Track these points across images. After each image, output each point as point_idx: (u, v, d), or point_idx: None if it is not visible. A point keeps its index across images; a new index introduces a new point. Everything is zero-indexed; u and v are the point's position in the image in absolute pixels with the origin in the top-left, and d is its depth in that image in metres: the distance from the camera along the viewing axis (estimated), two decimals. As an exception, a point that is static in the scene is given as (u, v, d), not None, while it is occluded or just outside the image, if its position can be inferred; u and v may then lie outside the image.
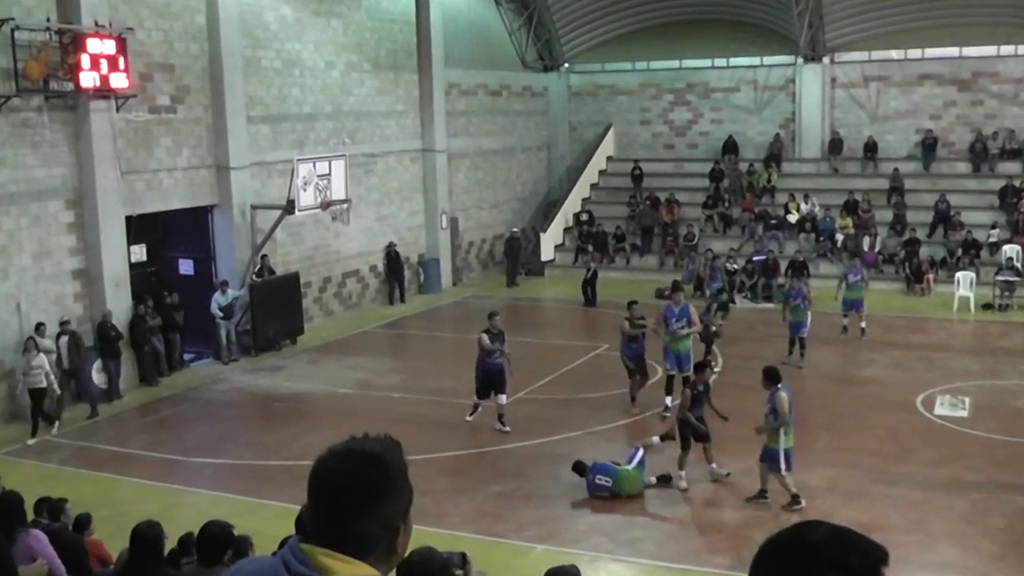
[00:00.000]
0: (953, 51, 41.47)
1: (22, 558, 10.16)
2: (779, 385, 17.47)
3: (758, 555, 2.76)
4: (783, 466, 17.42)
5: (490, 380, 22.11)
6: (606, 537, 17.00)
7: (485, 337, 21.99)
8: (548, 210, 45.71)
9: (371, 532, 3.04)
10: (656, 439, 20.05)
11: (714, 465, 19.17)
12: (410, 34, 37.78)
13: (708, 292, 31.74)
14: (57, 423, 23.27)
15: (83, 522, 13.03)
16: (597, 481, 18.40)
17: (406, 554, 3.36)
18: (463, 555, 9.83)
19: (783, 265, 36.50)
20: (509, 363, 22.26)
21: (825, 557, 2.65)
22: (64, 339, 24.15)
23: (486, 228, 43.55)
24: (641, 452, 18.89)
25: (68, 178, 25.26)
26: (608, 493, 18.37)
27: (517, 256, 40.98)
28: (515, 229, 42.01)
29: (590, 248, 39.32)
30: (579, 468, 18.81)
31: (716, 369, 26.36)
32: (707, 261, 36.13)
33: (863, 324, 29.52)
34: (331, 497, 3.04)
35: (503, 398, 22.08)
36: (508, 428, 21.99)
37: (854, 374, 26.12)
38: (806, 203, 40.81)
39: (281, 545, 3.15)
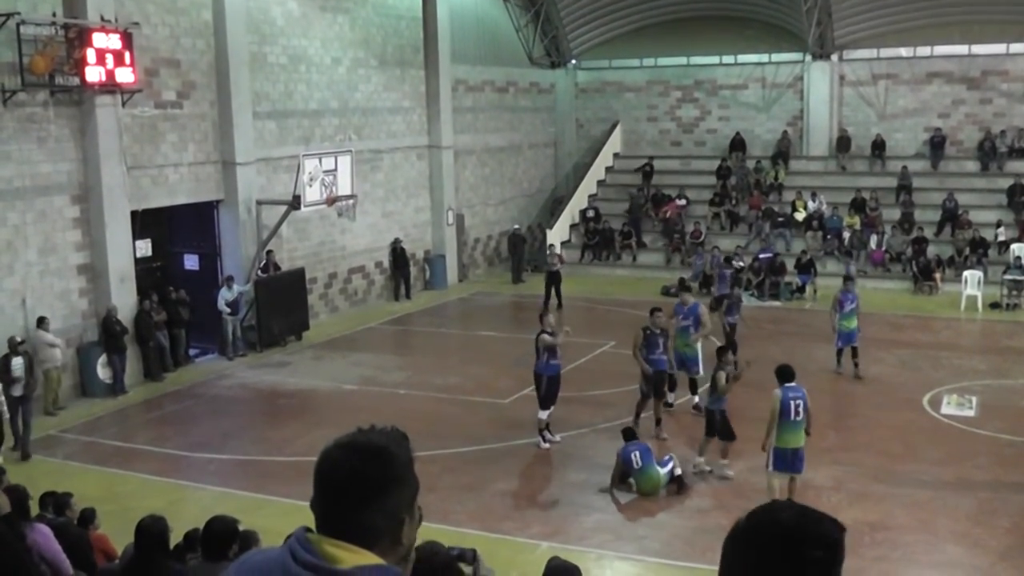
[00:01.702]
0: (962, 49, 41.37)
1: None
2: (786, 384, 16.90)
3: (730, 538, 2.85)
4: (770, 464, 17.07)
5: (555, 388, 20.83)
6: (611, 535, 16.95)
7: (548, 336, 20.55)
8: (555, 207, 45.68)
9: (376, 524, 3.06)
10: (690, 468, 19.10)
11: (726, 462, 19.09)
12: (417, 30, 37.76)
13: (714, 293, 31.50)
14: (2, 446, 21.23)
15: (88, 517, 13.02)
16: (631, 455, 18.27)
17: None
18: (474, 551, 9.79)
19: (790, 265, 36.57)
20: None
21: (800, 535, 2.75)
22: (19, 360, 21.44)
23: (492, 225, 43.53)
24: (672, 464, 18.63)
25: (74, 173, 25.25)
26: (629, 476, 18.31)
27: (521, 253, 40.90)
28: (516, 226, 41.98)
29: (553, 248, 38.65)
30: (628, 434, 18.77)
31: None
32: (714, 259, 36.02)
33: (856, 360, 26.03)
34: (336, 489, 3.06)
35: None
36: (558, 438, 21.23)
37: (861, 373, 26.03)
38: (813, 201, 40.76)
39: (288, 538, 3.14)
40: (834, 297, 26.23)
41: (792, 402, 16.78)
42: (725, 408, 19.12)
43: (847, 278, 27.11)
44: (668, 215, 42.48)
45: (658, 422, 21.45)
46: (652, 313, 21.94)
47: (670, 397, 22.76)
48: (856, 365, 25.69)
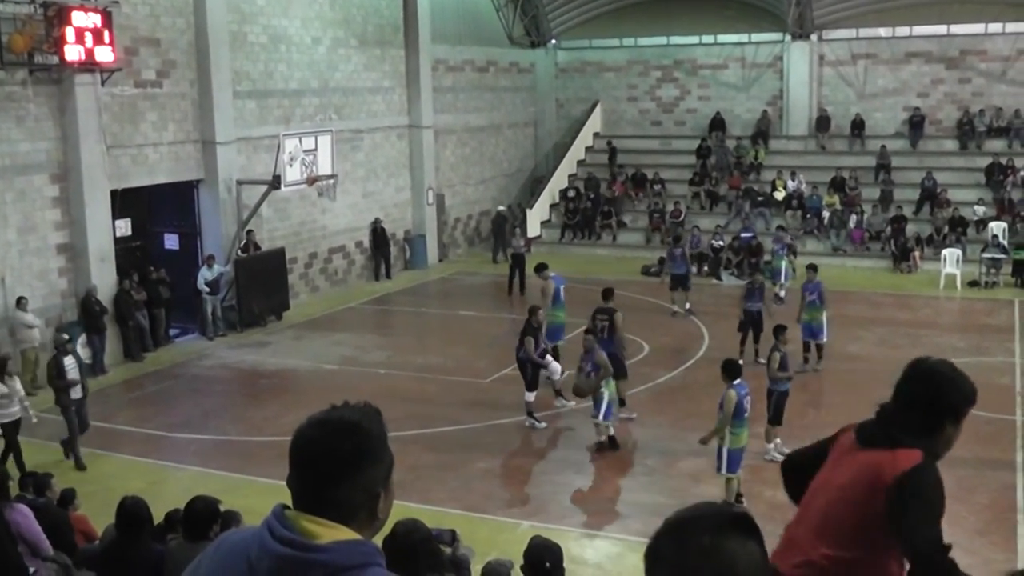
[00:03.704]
0: (941, 29, 41.48)
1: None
2: (735, 381, 16.54)
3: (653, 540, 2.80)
4: (724, 466, 16.62)
5: (538, 372, 21.32)
6: (592, 514, 17.02)
7: (533, 343, 21.05)
8: (535, 187, 45.69)
9: (352, 499, 3.10)
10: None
11: (778, 440, 18.98)
12: (397, 9, 37.66)
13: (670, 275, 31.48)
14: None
15: (68, 497, 13.03)
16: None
17: (390, 525, 3.39)
18: (453, 532, 9.85)
19: (767, 246, 36.57)
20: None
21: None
22: (70, 360, 19.55)
23: (472, 204, 43.52)
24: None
25: (53, 152, 25.16)
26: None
27: (503, 233, 40.88)
28: (501, 207, 41.98)
29: (517, 231, 37.56)
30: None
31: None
32: (672, 237, 35.86)
33: (820, 356, 25.18)
34: (311, 466, 3.09)
35: (533, 395, 21.30)
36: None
37: (840, 351, 26.07)
38: (793, 180, 40.84)
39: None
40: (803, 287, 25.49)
41: (745, 400, 16.52)
42: (785, 390, 19.03)
43: (810, 267, 26.13)
44: (616, 194, 42.79)
45: (622, 402, 21.66)
46: (605, 295, 22.52)
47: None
48: (819, 359, 24.93)
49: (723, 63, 45.41)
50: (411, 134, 38.63)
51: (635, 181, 43.53)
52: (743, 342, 25.08)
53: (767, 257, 35.81)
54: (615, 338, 21.50)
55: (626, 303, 32.17)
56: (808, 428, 20.24)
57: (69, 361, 19.39)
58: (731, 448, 16.50)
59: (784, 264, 31.85)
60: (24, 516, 10.94)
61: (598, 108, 47.38)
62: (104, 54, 25.13)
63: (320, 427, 3.12)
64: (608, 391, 19.13)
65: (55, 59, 24.27)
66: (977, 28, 41.05)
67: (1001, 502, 17.00)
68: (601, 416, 19.10)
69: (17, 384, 19.02)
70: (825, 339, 24.86)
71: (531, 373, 21.05)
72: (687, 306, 30.52)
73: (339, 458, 3.07)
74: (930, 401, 4.58)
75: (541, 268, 24.90)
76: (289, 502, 3.15)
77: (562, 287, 24.38)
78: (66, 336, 20.64)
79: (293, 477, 3.13)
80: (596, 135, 47.28)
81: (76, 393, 19.36)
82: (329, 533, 3.03)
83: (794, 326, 24.14)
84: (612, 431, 19.56)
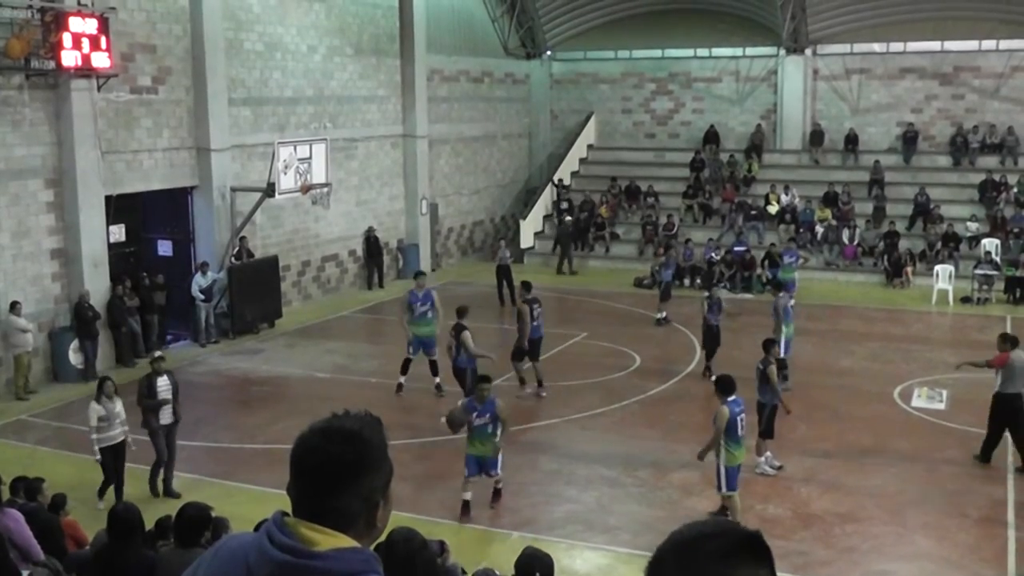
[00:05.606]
0: (935, 45, 41.62)
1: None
2: (730, 398, 16.18)
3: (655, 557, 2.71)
4: (723, 485, 16.35)
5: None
6: (582, 525, 17.00)
7: (468, 335, 21.89)
8: (528, 197, 45.73)
9: (351, 507, 3.12)
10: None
11: (769, 454, 18.97)
12: (393, 19, 37.73)
13: (660, 281, 31.72)
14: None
15: (59, 503, 13.02)
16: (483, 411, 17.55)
17: (386, 533, 3.40)
18: (441, 543, 9.86)
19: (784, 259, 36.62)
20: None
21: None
22: (164, 380, 18.08)
23: (466, 214, 43.57)
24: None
25: (48, 157, 25.16)
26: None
27: (568, 244, 40.70)
28: (568, 218, 41.76)
29: (502, 243, 36.83)
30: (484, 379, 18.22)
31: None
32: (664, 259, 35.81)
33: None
34: (312, 474, 3.12)
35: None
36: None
37: (832, 365, 26.15)
38: (786, 194, 40.88)
39: (261, 525, 3.19)
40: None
41: (739, 417, 16.21)
42: (775, 403, 18.94)
43: (780, 286, 26.41)
44: (607, 214, 42.93)
45: (522, 382, 23.73)
46: (527, 287, 24.43)
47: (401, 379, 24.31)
48: (785, 377, 22.95)
49: (717, 76, 45.52)
50: (405, 143, 38.68)
51: (628, 193, 43.53)
52: (709, 356, 24.95)
53: (758, 270, 35.95)
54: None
55: (618, 315, 32.35)
56: (799, 442, 20.37)
57: (162, 382, 17.98)
58: (728, 466, 16.24)
59: (795, 275, 31.98)
60: (15, 521, 10.95)
61: (592, 120, 47.43)
62: (100, 60, 25.16)
63: (322, 435, 3.14)
64: (499, 444, 17.59)
65: (52, 64, 24.31)
66: (971, 45, 41.19)
67: (992, 518, 17.01)
68: (499, 470, 17.63)
69: (118, 406, 17.62)
70: (782, 354, 23.31)
71: (470, 381, 20.56)
72: (663, 315, 30.68)
73: (339, 467, 3.10)
74: None
75: (420, 275, 25.50)
76: (285, 509, 3.17)
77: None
78: (157, 352, 19.72)
79: (294, 484, 3.16)
80: (591, 147, 47.33)
81: (166, 418, 17.99)
82: (328, 541, 3.05)
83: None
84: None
